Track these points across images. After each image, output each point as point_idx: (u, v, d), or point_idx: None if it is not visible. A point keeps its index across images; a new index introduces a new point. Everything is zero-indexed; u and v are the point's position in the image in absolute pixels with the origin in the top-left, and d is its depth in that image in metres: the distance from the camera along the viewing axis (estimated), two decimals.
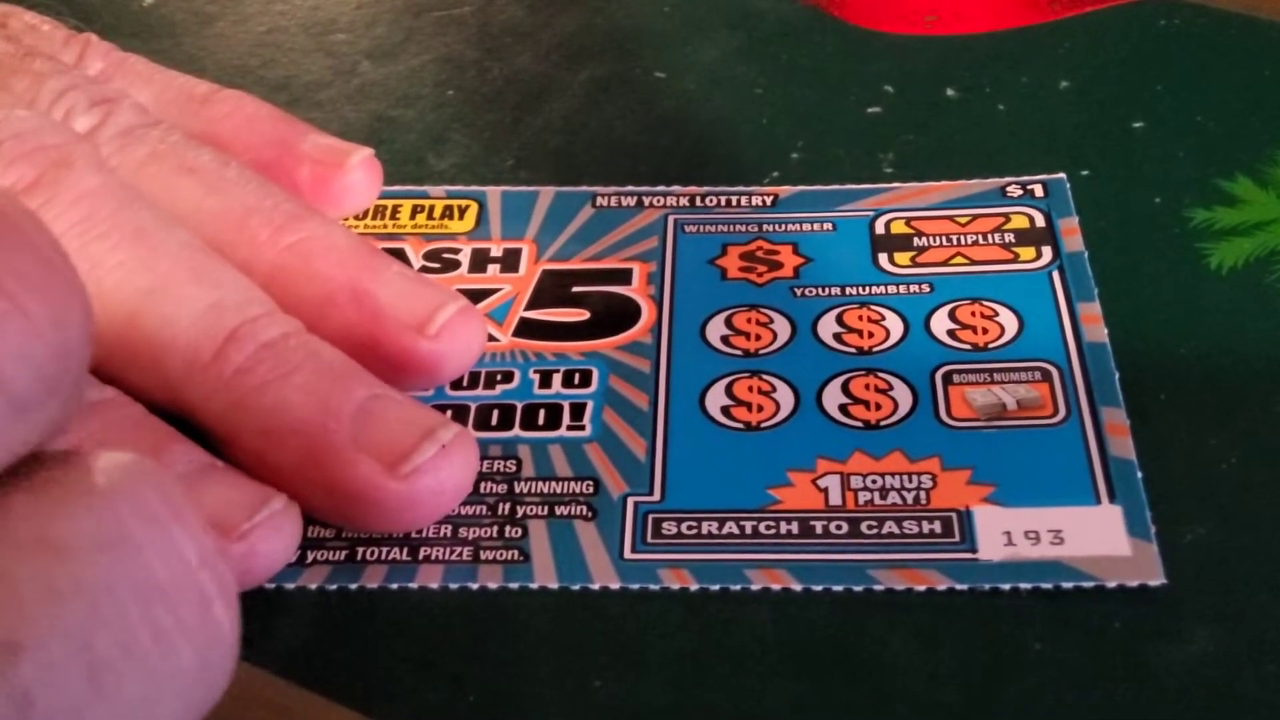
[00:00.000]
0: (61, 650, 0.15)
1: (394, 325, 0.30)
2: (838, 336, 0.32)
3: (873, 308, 0.33)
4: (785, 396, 0.31)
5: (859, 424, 0.30)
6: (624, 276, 0.34)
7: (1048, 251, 0.34)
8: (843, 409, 0.31)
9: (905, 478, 0.29)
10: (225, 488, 0.27)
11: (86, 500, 0.16)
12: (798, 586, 0.27)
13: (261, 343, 0.29)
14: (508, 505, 0.29)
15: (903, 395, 0.31)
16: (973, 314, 0.32)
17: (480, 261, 0.35)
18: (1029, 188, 0.36)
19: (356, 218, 0.36)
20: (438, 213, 0.36)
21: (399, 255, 0.34)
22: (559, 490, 0.29)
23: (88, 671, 0.15)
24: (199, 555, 0.16)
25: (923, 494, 0.29)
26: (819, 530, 0.28)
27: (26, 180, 0.30)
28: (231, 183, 0.32)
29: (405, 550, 0.28)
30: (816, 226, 0.35)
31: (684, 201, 0.36)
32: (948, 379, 0.31)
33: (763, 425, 0.30)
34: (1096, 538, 0.28)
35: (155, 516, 0.16)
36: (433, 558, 0.28)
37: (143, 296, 0.29)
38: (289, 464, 0.28)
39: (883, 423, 0.30)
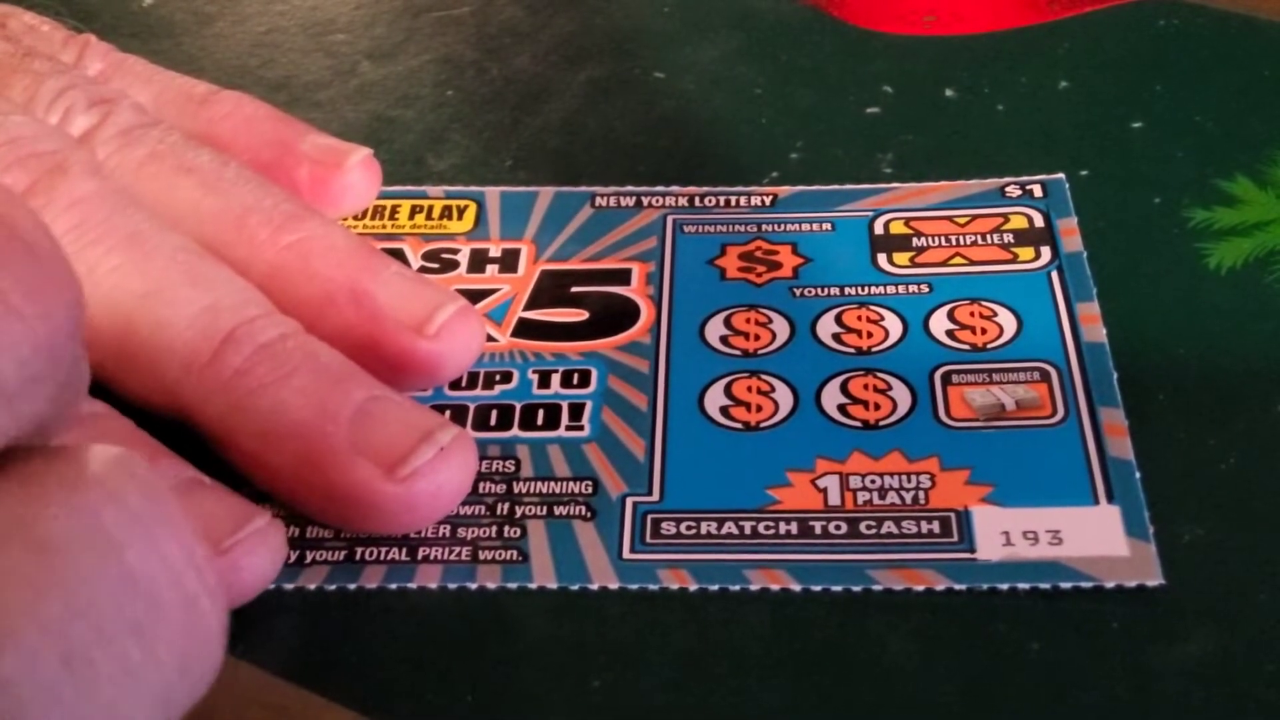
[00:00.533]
0: (39, 640, 0.15)
1: (392, 325, 0.30)
2: (837, 337, 0.32)
3: (871, 308, 0.33)
4: (784, 396, 0.31)
5: (858, 424, 0.30)
6: (623, 277, 0.34)
7: (1046, 252, 0.34)
8: (841, 409, 0.31)
9: (904, 478, 0.29)
10: (210, 503, 0.27)
11: (69, 495, 0.16)
12: (796, 586, 0.27)
13: (259, 344, 0.29)
14: (506, 505, 0.29)
15: (901, 395, 0.31)
16: (972, 314, 0.32)
17: (479, 262, 0.35)
18: (1028, 188, 0.36)
19: (356, 218, 0.36)
20: (436, 213, 0.36)
21: (398, 255, 0.34)
22: (558, 490, 0.29)
23: (64, 661, 0.15)
24: (185, 556, 0.16)
25: (921, 494, 0.29)
26: (818, 530, 0.28)
27: (21, 186, 0.30)
28: (230, 182, 0.32)
29: (404, 550, 0.28)
30: (815, 227, 0.35)
31: (683, 201, 0.36)
32: (946, 379, 0.31)
33: (762, 425, 0.30)
34: (1095, 538, 0.28)
35: (138, 516, 0.16)
36: (431, 558, 0.28)
37: (138, 300, 0.29)
38: (286, 466, 0.28)
39: (881, 423, 0.30)
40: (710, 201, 0.36)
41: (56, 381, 0.16)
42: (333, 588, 0.28)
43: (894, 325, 0.32)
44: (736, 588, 0.27)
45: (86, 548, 0.16)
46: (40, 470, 0.16)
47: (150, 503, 0.16)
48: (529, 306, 0.33)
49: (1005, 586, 0.27)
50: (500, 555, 0.28)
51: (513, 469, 0.30)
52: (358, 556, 0.28)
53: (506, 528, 0.29)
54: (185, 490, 0.27)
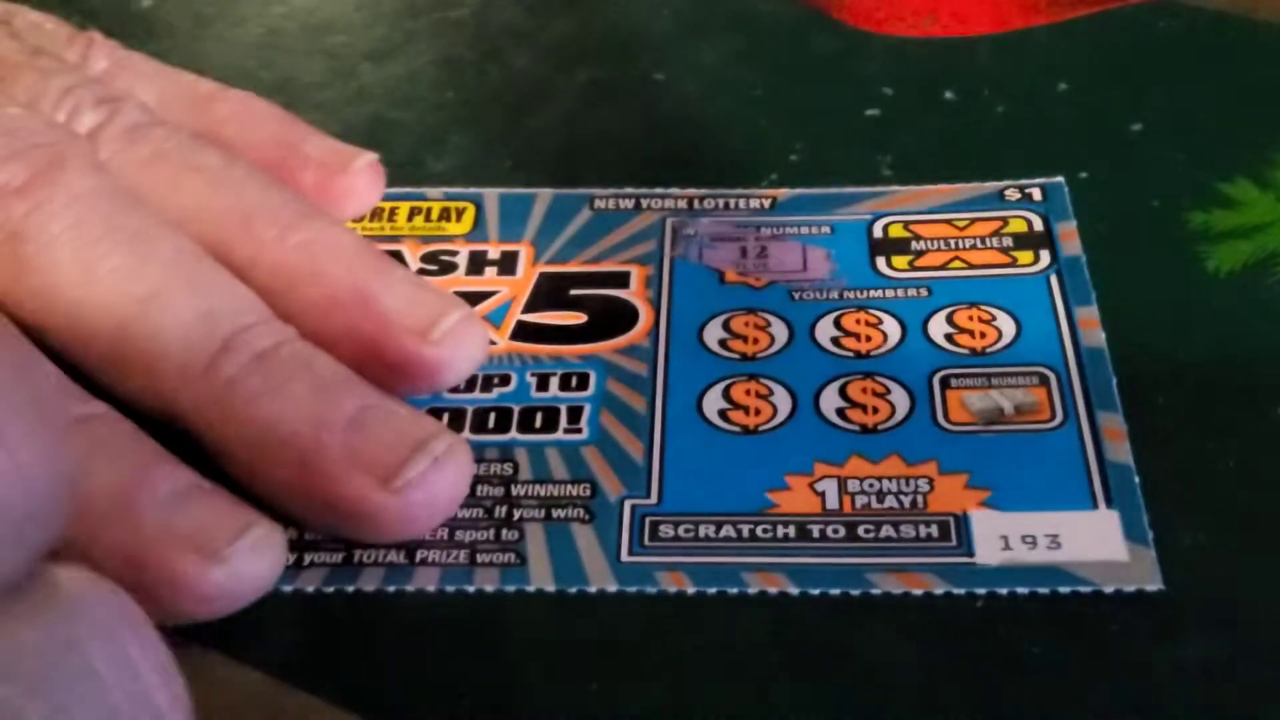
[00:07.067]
0: None
1: (396, 330, 0.30)
2: (835, 340, 0.32)
3: (870, 311, 0.33)
4: (783, 400, 0.31)
5: (856, 428, 0.30)
6: (622, 280, 0.34)
7: (1046, 256, 0.34)
8: (840, 413, 0.30)
9: (902, 481, 0.29)
10: (208, 510, 0.27)
11: (48, 622, 0.16)
12: (794, 590, 0.27)
13: (254, 353, 0.29)
14: (504, 508, 0.29)
15: (900, 399, 0.31)
16: (970, 318, 0.32)
17: (478, 264, 0.35)
18: (1027, 191, 0.36)
19: (354, 220, 0.36)
20: (435, 215, 0.36)
21: (396, 257, 0.34)
22: (556, 493, 0.29)
23: None
24: (156, 672, 0.17)
25: (920, 498, 0.29)
26: (816, 534, 0.28)
27: (19, 181, 0.30)
28: (237, 181, 0.32)
29: (402, 553, 0.28)
30: (815, 229, 0.35)
31: (682, 204, 0.36)
32: (945, 383, 0.31)
33: (760, 429, 0.30)
34: (1093, 542, 0.27)
35: (114, 638, 0.16)
36: (429, 560, 0.28)
37: (136, 304, 0.29)
38: (281, 477, 0.28)
39: (880, 426, 0.30)
40: (709, 204, 0.36)
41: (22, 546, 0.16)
42: (331, 590, 0.28)
43: (893, 329, 0.32)
44: (734, 591, 0.27)
45: (66, 675, 0.16)
46: (16, 594, 0.16)
47: (125, 624, 0.16)
48: (528, 309, 0.33)
49: (1004, 591, 0.27)
50: (498, 558, 0.28)
51: (511, 472, 0.30)
52: (356, 559, 0.28)
53: (504, 530, 0.29)
54: (184, 496, 0.27)
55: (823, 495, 0.29)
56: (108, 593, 0.16)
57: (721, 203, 0.36)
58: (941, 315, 0.32)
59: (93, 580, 0.17)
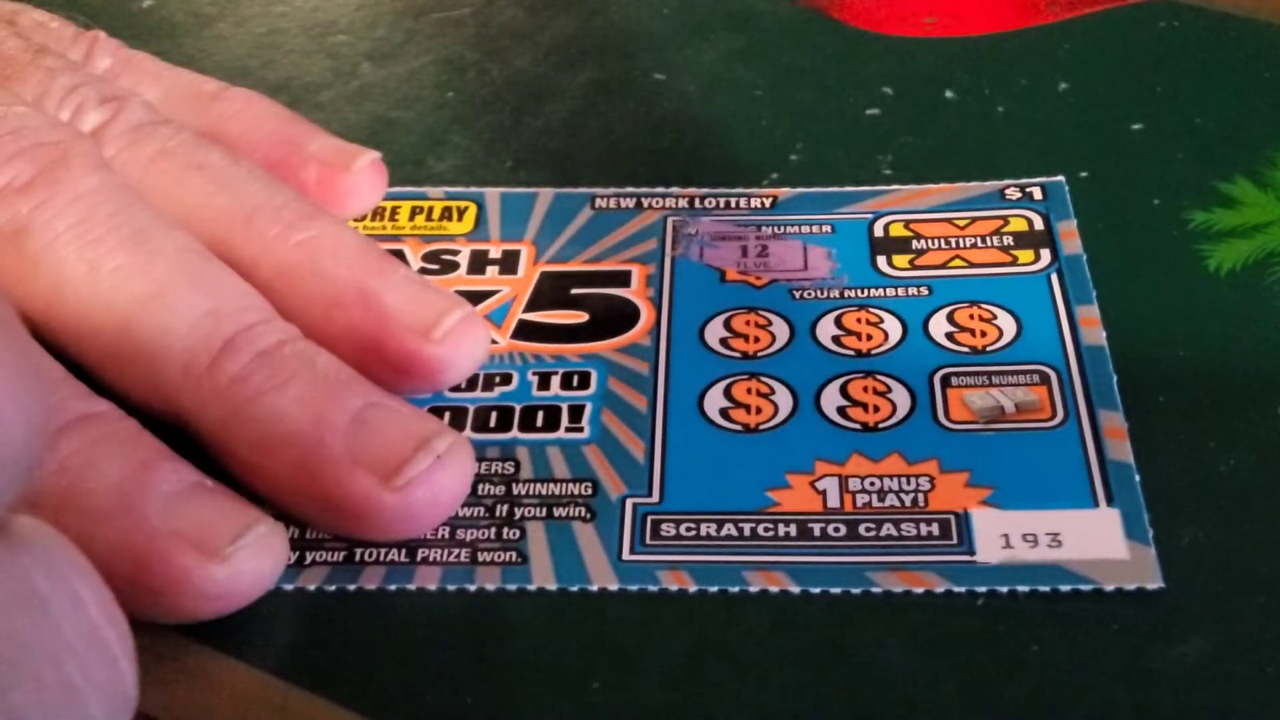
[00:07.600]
0: None
1: (398, 328, 0.30)
2: (836, 339, 0.32)
3: (871, 310, 0.33)
4: (784, 399, 0.31)
5: (857, 426, 0.30)
6: (623, 279, 0.34)
7: (1046, 254, 0.34)
8: (841, 411, 0.31)
9: (903, 480, 0.29)
10: (211, 508, 0.27)
11: (6, 565, 0.16)
12: (796, 588, 0.27)
13: (257, 351, 0.29)
14: (506, 507, 0.29)
15: (901, 398, 0.31)
16: (971, 317, 0.32)
17: (479, 263, 0.35)
18: (1028, 190, 0.36)
19: (356, 219, 0.36)
20: (436, 214, 0.36)
21: (398, 256, 0.34)
22: (557, 492, 0.29)
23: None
24: (104, 614, 0.17)
25: (921, 496, 0.29)
26: (817, 532, 0.28)
27: (24, 179, 0.30)
28: (241, 180, 0.32)
29: (403, 552, 0.28)
30: (815, 229, 0.35)
31: (683, 203, 0.36)
32: (946, 381, 0.31)
33: (761, 427, 0.30)
34: (1094, 541, 0.28)
35: (61, 575, 0.16)
36: (430, 559, 0.28)
37: (139, 302, 0.29)
38: (284, 475, 0.28)
39: (881, 425, 0.30)
40: (710, 203, 0.36)
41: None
42: (332, 588, 0.28)
43: (894, 328, 0.32)
44: (736, 589, 0.27)
45: (22, 611, 0.16)
46: None
47: (71, 563, 0.17)
48: (529, 308, 0.33)
49: (1005, 589, 0.27)
50: (499, 557, 0.28)
51: (512, 470, 0.30)
52: (357, 558, 0.28)
53: (506, 529, 0.29)
54: (188, 494, 0.27)
55: (824, 494, 0.29)
56: (55, 537, 0.17)
57: (722, 202, 0.36)
58: (942, 314, 0.32)
59: (41, 525, 0.17)
